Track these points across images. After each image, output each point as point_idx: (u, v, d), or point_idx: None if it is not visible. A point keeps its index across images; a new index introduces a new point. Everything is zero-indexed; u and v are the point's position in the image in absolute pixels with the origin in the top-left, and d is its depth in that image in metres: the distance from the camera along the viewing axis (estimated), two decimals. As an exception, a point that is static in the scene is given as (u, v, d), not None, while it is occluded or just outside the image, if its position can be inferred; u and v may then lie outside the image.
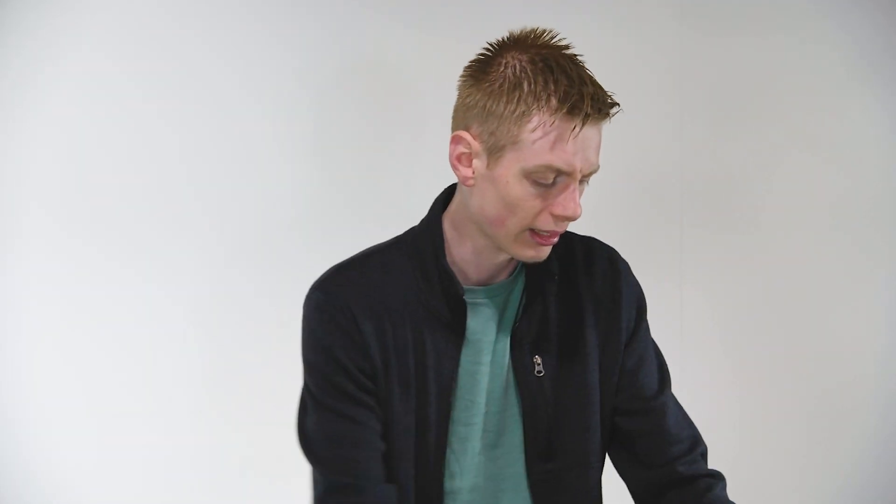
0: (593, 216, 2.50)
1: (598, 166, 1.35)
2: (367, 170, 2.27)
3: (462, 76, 1.35)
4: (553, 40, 1.34)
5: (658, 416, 1.48)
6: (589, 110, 1.28)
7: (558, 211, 1.30)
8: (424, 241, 1.40)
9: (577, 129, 1.27)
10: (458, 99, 1.36)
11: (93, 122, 2.09)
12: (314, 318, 1.38)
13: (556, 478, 1.42)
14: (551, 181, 1.30)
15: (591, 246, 1.50)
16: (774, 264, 2.57)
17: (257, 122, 2.19)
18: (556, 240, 1.34)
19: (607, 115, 1.31)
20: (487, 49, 1.34)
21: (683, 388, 2.54)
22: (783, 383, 2.57)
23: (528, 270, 1.42)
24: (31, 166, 2.06)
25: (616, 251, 1.53)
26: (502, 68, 1.30)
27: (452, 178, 1.41)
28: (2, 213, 2.05)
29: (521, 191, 1.30)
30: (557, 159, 1.28)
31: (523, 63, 1.30)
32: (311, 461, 1.40)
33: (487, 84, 1.30)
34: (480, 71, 1.32)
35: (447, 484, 1.40)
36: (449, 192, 1.44)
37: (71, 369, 2.09)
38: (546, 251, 1.35)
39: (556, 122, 1.27)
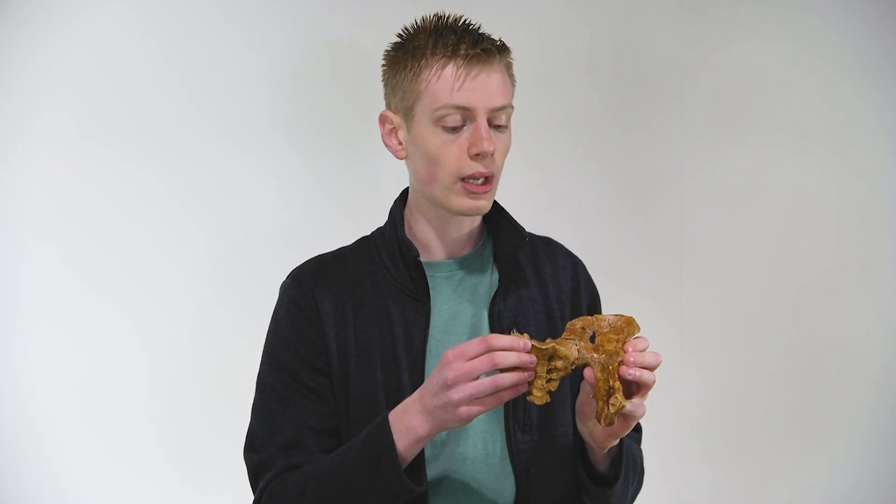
0: (594, 216, 2.52)
1: (508, 105, 1.46)
2: (346, 161, 2.28)
3: (381, 64, 1.51)
4: (459, 23, 1.47)
5: None
6: (468, 51, 1.41)
7: (473, 150, 1.42)
8: (387, 225, 1.54)
9: (462, 66, 1.41)
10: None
11: (65, 127, 2.09)
12: (280, 302, 1.52)
13: (534, 448, 1.49)
14: (459, 123, 1.42)
15: (552, 241, 1.64)
16: (774, 264, 2.57)
17: (234, 117, 2.19)
18: (488, 189, 1.45)
19: (491, 52, 1.43)
20: (399, 36, 1.49)
21: (683, 388, 2.56)
22: (783, 383, 2.57)
23: (498, 248, 1.53)
24: (20, 174, 2.06)
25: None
26: (405, 47, 1.47)
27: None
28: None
29: (436, 140, 1.43)
30: (454, 97, 1.41)
31: (420, 38, 1.45)
32: (250, 451, 1.47)
33: (394, 64, 1.48)
34: (391, 56, 1.49)
35: (426, 450, 1.44)
36: (406, 191, 1.57)
37: (64, 370, 2.09)
38: (484, 203, 1.46)
39: (443, 67, 1.42)
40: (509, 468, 1.47)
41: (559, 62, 2.47)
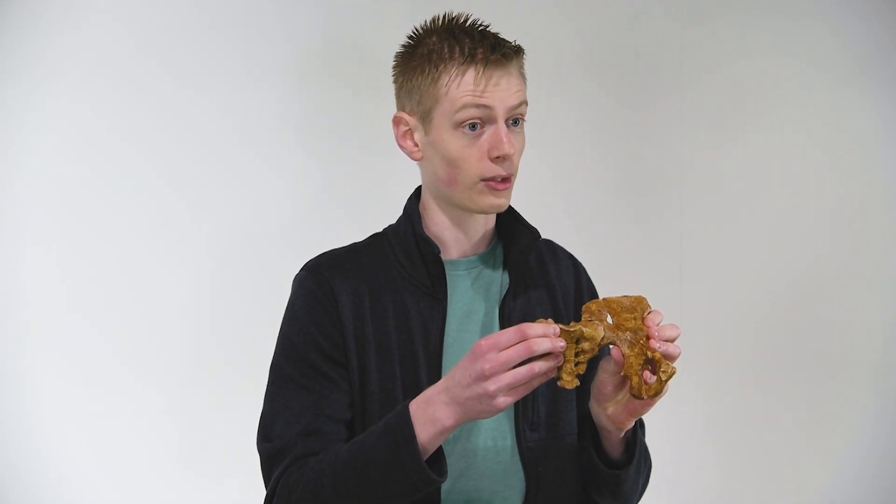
0: (594, 216, 2.53)
1: (524, 103, 1.47)
2: (353, 159, 2.29)
3: (392, 66, 1.51)
4: (467, 23, 1.47)
5: None
6: (487, 55, 1.42)
7: (493, 153, 1.43)
8: (402, 223, 1.54)
9: (482, 71, 1.41)
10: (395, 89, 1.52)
11: (71, 125, 2.09)
12: (296, 293, 1.51)
13: (542, 446, 1.50)
14: (479, 122, 1.43)
15: (553, 244, 1.66)
16: (774, 263, 2.57)
17: (242, 118, 2.20)
18: (508, 186, 1.46)
19: (509, 56, 1.44)
20: (410, 38, 1.49)
21: (683, 388, 2.56)
22: (783, 382, 2.58)
23: (507, 249, 1.55)
24: (23, 171, 2.06)
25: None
26: (419, 49, 1.46)
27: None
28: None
29: (456, 143, 1.43)
30: (474, 98, 1.42)
31: (433, 40, 1.45)
32: (265, 440, 1.45)
33: (408, 66, 1.47)
34: (404, 58, 1.49)
35: (442, 446, 1.43)
36: (419, 189, 1.57)
37: (63, 369, 2.10)
38: (504, 199, 1.48)
39: (463, 73, 1.42)
40: (519, 465, 1.49)
41: (560, 63, 2.47)
